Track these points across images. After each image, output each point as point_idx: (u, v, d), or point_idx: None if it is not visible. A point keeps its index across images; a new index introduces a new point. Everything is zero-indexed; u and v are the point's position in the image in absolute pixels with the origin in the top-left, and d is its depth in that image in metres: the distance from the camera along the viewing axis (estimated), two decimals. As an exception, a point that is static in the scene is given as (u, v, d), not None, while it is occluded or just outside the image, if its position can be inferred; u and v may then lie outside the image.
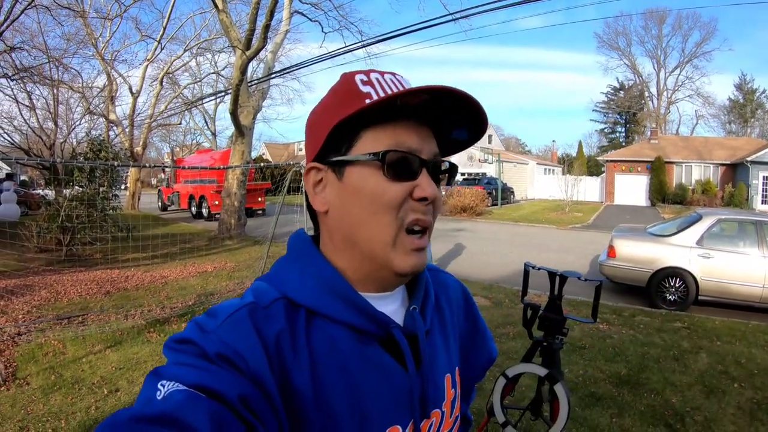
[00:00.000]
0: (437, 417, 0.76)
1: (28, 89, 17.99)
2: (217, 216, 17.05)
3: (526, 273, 2.02)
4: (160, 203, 27.10)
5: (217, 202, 18.45)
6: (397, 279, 0.73)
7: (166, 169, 24.87)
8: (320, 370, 0.64)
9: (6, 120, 19.57)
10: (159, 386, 0.53)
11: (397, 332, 0.70)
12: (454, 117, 0.72)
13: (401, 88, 0.70)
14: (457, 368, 0.84)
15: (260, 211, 21.43)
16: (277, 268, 0.75)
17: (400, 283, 0.76)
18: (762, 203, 26.96)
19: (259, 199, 21.53)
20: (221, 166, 15.61)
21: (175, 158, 25.99)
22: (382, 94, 0.67)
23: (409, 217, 0.68)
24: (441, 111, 0.70)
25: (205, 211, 20.84)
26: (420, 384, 0.71)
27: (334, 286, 0.69)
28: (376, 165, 0.67)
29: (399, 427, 0.69)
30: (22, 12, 13.23)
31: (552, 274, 1.87)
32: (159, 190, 28.51)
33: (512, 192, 32.46)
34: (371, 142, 0.69)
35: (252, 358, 0.59)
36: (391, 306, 0.75)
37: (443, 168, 0.74)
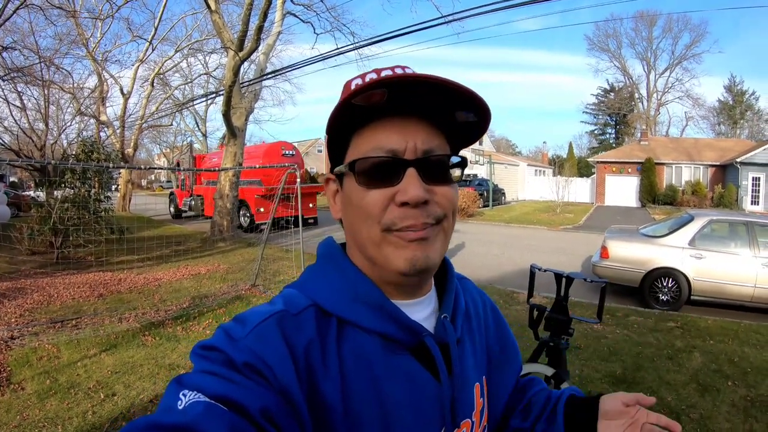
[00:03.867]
0: (467, 427, 0.75)
1: (19, 89, 17.88)
2: (262, 227, 13.65)
3: (532, 275, 2.04)
4: (172, 209, 23.14)
5: (262, 209, 15.39)
6: (408, 280, 0.69)
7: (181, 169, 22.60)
8: (350, 382, 0.63)
9: (-3, 121, 19.41)
10: (181, 395, 0.53)
11: (430, 340, 0.69)
12: (448, 100, 0.66)
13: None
14: (483, 377, 0.83)
15: (311, 220, 17.44)
16: (307, 276, 0.74)
17: (419, 285, 0.73)
18: (751, 204, 27.18)
19: (311, 205, 17.48)
20: (258, 165, 13.53)
21: (194, 155, 22.30)
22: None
23: (397, 224, 0.65)
24: (424, 98, 0.65)
25: (244, 220, 16.67)
26: (451, 393, 0.70)
27: (364, 293, 0.68)
28: (352, 175, 0.68)
29: None
30: (14, 12, 13.17)
31: (558, 276, 1.88)
32: (171, 193, 24.44)
33: (503, 193, 32.54)
34: (354, 149, 0.69)
35: (280, 368, 0.58)
36: (422, 313, 0.74)
37: (435, 162, 0.67)
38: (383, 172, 0.66)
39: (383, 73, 0.66)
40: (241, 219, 16.68)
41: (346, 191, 0.71)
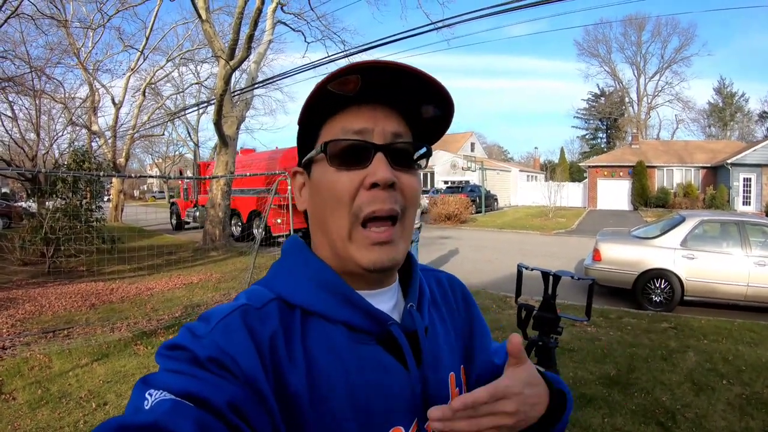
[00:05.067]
0: None
1: (10, 99, 17.80)
2: (279, 239, 12.30)
3: (519, 274, 2.02)
4: (174, 220, 21.46)
5: (280, 221, 13.32)
6: (372, 275, 0.70)
7: (184, 178, 20.17)
8: (316, 372, 0.63)
9: (-13, 131, 19.31)
10: (147, 395, 0.53)
11: (396, 329, 0.69)
12: (417, 92, 0.69)
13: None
14: (462, 366, 0.83)
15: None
16: (272, 272, 0.74)
17: (383, 279, 0.74)
18: (743, 204, 27.40)
19: None
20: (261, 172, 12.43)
21: (198, 162, 21.40)
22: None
23: (364, 209, 0.66)
24: (395, 88, 0.67)
25: (258, 233, 13.94)
26: (422, 383, 0.70)
27: (328, 283, 0.69)
28: (324, 158, 0.69)
29: (401, 428, 0.67)
30: (5, 21, 13.14)
31: (545, 274, 1.87)
32: (172, 203, 22.62)
33: (496, 199, 32.63)
34: (325, 136, 0.70)
35: (245, 360, 0.58)
36: (387, 304, 0.74)
37: (402, 148, 0.70)
38: (353, 154, 0.67)
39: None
40: (233, 228, 16.03)
41: (314, 179, 0.72)
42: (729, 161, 27.61)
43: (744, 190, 27.76)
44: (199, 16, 12.38)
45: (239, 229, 16.24)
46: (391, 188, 0.67)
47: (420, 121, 0.73)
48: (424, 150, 0.74)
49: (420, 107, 0.71)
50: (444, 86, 0.67)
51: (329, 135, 0.69)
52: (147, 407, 0.51)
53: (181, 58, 25.28)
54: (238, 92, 16.12)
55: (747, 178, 27.60)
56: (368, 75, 0.64)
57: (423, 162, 0.74)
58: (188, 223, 20.31)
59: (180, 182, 22.08)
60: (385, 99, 0.69)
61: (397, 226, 0.68)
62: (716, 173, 30.33)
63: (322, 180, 0.69)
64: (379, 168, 0.66)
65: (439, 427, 0.58)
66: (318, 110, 0.70)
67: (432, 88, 0.67)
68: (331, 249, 0.71)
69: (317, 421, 0.61)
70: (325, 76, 0.66)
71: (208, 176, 13.24)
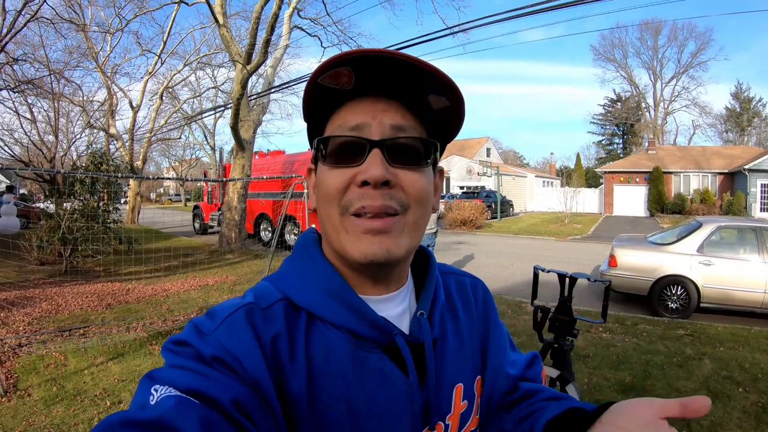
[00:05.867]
0: (440, 430, 0.72)
1: (29, 101, 18.08)
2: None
3: (536, 275, 2.02)
4: (197, 224, 20.78)
5: (314, 227, 12.17)
6: (368, 270, 0.67)
7: (200, 180, 19.61)
8: (317, 377, 0.63)
9: (6, 132, 19.69)
10: (152, 390, 0.53)
11: (400, 340, 0.67)
12: (417, 82, 0.64)
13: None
14: (478, 377, 0.80)
15: None
16: (283, 268, 0.74)
17: (386, 278, 0.70)
18: (761, 210, 27.00)
19: None
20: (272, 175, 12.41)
21: (224, 164, 19.90)
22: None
23: (354, 204, 0.63)
24: (393, 79, 0.63)
25: (265, 235, 15.40)
26: (423, 394, 0.68)
27: (333, 287, 0.67)
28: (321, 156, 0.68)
29: None
30: (25, 24, 13.37)
31: (562, 276, 1.87)
32: (195, 206, 21.92)
33: (511, 205, 32.51)
34: (326, 133, 0.69)
35: (248, 360, 0.58)
36: (395, 310, 0.71)
37: (404, 144, 0.65)
38: (347, 152, 0.65)
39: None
40: (262, 234, 15.60)
41: (317, 177, 0.71)
42: (746, 167, 27.27)
43: (762, 196, 27.35)
44: (216, 20, 12.51)
45: (268, 234, 15.38)
46: (384, 186, 0.63)
47: (431, 115, 0.68)
48: (430, 144, 0.69)
49: (426, 98, 0.66)
50: (445, 74, 0.63)
51: (328, 132, 0.68)
52: (152, 402, 0.51)
53: (198, 63, 25.54)
54: (255, 96, 16.21)
55: (765, 184, 27.21)
56: (360, 66, 0.62)
57: (431, 158, 0.69)
58: (212, 227, 20.04)
59: (204, 185, 21.60)
60: (385, 91, 0.65)
61: (398, 217, 0.64)
62: (733, 179, 29.92)
63: (320, 177, 0.69)
64: (372, 165, 0.62)
65: None
66: (320, 107, 0.68)
67: (433, 77, 0.63)
68: (331, 246, 0.70)
69: (314, 425, 0.61)
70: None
71: (225, 179, 12.98)
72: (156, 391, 0.53)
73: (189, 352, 0.59)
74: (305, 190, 7.45)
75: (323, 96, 0.66)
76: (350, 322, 0.66)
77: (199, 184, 23.82)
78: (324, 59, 0.63)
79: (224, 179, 13.67)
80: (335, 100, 0.67)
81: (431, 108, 0.67)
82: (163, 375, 0.55)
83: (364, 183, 0.63)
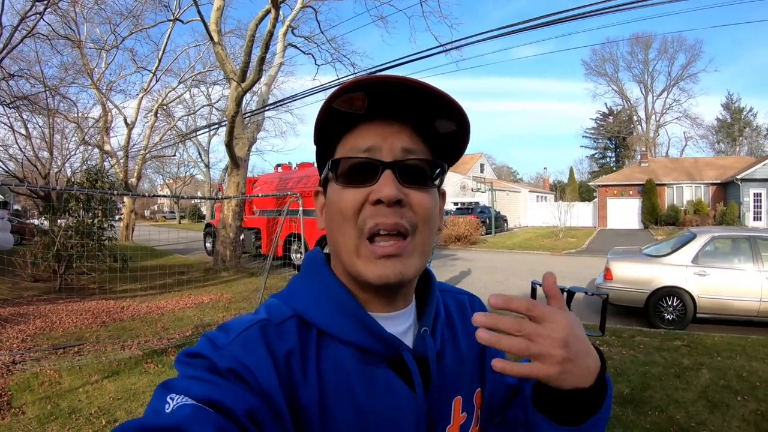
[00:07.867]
0: None
1: (24, 117, 18.06)
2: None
3: (534, 291, 2.02)
4: (209, 244, 18.43)
5: (318, 248, 10.87)
6: (382, 291, 0.70)
7: (196, 198, 18.37)
8: (328, 392, 0.64)
9: (1, 148, 19.60)
10: (168, 399, 0.54)
11: (407, 355, 0.70)
12: (427, 107, 0.67)
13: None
14: (478, 390, 0.82)
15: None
16: (292, 286, 0.76)
17: (396, 298, 0.74)
18: (754, 220, 27.15)
19: None
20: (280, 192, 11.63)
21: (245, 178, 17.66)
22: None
23: (368, 222, 0.66)
24: (405, 104, 0.67)
25: (298, 257, 13.57)
26: (426, 407, 0.70)
27: (343, 305, 0.69)
28: (333, 177, 0.70)
29: None
30: (21, 40, 13.42)
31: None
32: (207, 224, 20.14)
33: (506, 220, 32.62)
34: (337, 154, 0.71)
35: (261, 373, 0.60)
36: (401, 326, 0.74)
37: (414, 165, 0.69)
38: (360, 172, 0.68)
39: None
40: (293, 255, 13.87)
41: (328, 198, 0.73)
42: (739, 177, 27.44)
43: (755, 206, 27.49)
44: (211, 38, 12.60)
45: (299, 256, 13.57)
46: (397, 205, 0.66)
47: (437, 137, 0.71)
48: (438, 168, 0.72)
49: (434, 122, 0.69)
50: (454, 99, 0.66)
51: (340, 153, 0.70)
52: (168, 410, 0.52)
53: (192, 80, 25.71)
54: (249, 114, 16.29)
55: (757, 193, 27.35)
56: (374, 91, 0.64)
57: (438, 180, 0.73)
58: None
59: (218, 203, 18.79)
60: (395, 115, 0.68)
61: (408, 240, 0.67)
62: (726, 189, 30.09)
63: (331, 198, 0.71)
64: (385, 185, 0.65)
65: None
66: (330, 129, 0.71)
67: (442, 101, 0.66)
68: (342, 267, 0.71)
69: None
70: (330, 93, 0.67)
71: (220, 197, 12.52)
72: (172, 399, 0.54)
73: (203, 363, 0.60)
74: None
75: (335, 119, 0.68)
76: (360, 338, 0.68)
77: (194, 202, 23.41)
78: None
79: (242, 196, 12.90)
80: (347, 122, 0.69)
81: (438, 132, 0.71)
82: (178, 385, 0.56)
83: (378, 201, 0.66)
